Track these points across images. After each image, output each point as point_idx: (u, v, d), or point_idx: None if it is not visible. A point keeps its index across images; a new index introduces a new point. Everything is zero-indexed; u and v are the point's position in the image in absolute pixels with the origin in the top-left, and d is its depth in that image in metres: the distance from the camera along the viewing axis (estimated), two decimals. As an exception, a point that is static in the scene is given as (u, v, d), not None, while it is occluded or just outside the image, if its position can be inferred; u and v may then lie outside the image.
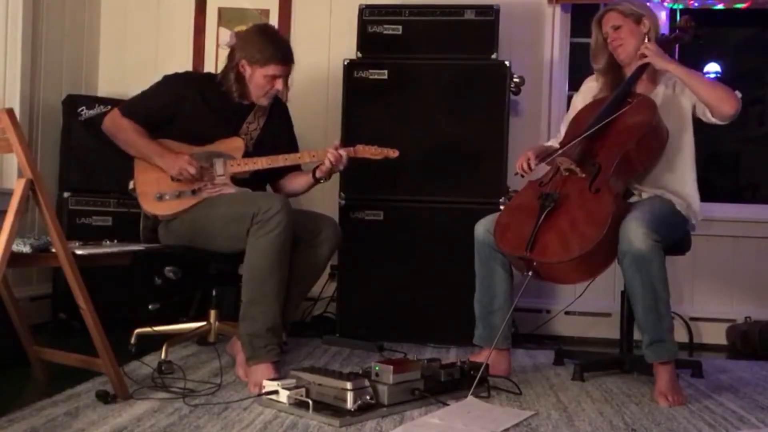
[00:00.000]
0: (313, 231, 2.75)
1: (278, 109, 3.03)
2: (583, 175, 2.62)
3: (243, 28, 3.14)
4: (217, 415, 2.13)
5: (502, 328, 2.66)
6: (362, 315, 3.47)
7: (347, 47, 3.71)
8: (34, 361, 2.52)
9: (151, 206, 2.75)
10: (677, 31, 2.90)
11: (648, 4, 3.11)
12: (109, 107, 3.29)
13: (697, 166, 2.77)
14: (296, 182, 3.01)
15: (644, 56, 2.69)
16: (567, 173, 2.67)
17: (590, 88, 2.98)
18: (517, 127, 3.76)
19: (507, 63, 3.47)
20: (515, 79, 3.53)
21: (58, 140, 3.66)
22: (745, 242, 3.93)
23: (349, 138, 3.29)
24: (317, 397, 2.15)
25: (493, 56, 3.50)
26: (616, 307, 3.03)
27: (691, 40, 2.91)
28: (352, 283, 3.52)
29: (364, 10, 3.60)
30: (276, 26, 3.85)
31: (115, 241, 2.62)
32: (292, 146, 3.03)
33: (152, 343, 2.87)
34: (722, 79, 5.33)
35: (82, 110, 3.63)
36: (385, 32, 3.58)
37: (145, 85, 2.90)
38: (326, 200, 3.72)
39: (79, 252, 2.27)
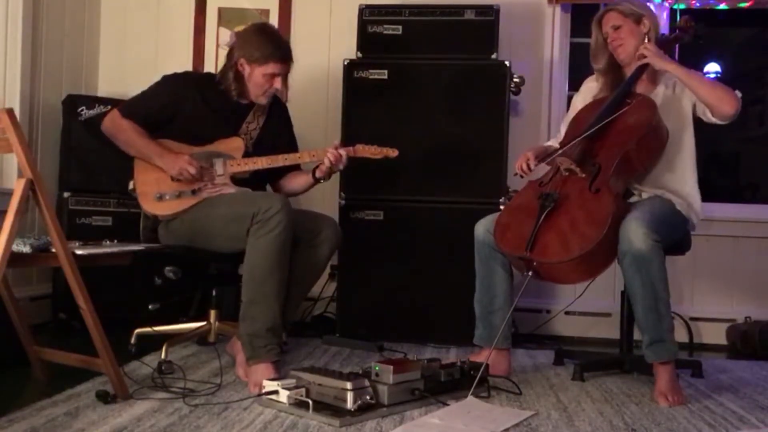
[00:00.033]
0: (313, 231, 2.75)
1: (277, 109, 3.03)
2: (583, 175, 2.62)
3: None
4: (217, 415, 2.13)
5: (502, 328, 2.66)
6: (362, 315, 3.47)
7: (347, 47, 3.71)
8: (34, 361, 2.52)
9: (151, 206, 2.75)
10: (677, 31, 2.91)
11: (650, 4, 3.11)
12: (109, 107, 3.29)
13: (697, 166, 2.78)
14: (296, 182, 3.01)
15: (644, 56, 2.69)
16: (567, 173, 2.67)
17: (590, 88, 2.98)
18: (517, 127, 3.76)
19: (507, 63, 3.47)
20: (515, 79, 3.53)
21: (58, 140, 3.66)
22: (745, 242, 3.93)
23: (349, 138, 3.29)
24: (317, 397, 2.15)
25: (493, 56, 3.50)
26: (616, 307, 3.03)
27: (691, 40, 2.91)
28: (352, 283, 3.52)
29: (364, 10, 3.60)
30: (276, 26, 3.85)
31: (115, 241, 2.62)
32: (291, 146, 3.03)
33: (152, 343, 2.86)
34: (722, 79, 5.34)
35: (82, 110, 3.63)
36: (385, 32, 3.58)
37: (145, 85, 2.90)
38: (326, 200, 3.73)
39: (79, 252, 2.27)
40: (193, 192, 2.75)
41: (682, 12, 3.92)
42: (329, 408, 2.11)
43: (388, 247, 3.49)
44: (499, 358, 2.74)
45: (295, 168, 2.99)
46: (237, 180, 2.80)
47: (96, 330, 2.20)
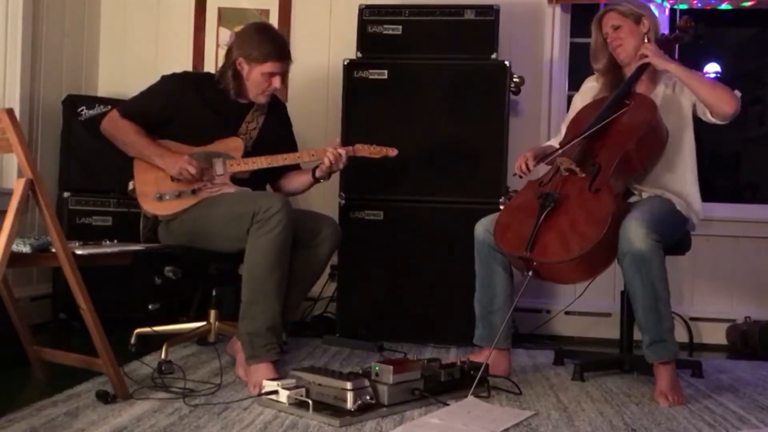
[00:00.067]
0: (313, 231, 2.75)
1: (277, 109, 3.02)
2: (583, 175, 2.62)
3: (242, 28, 3.14)
4: (217, 415, 2.13)
5: (502, 328, 2.66)
6: (362, 315, 3.47)
7: (347, 47, 3.71)
8: (34, 361, 2.52)
9: (151, 206, 2.75)
10: (677, 31, 2.91)
11: (651, 4, 3.11)
12: (109, 107, 3.29)
13: (697, 166, 2.77)
14: (296, 181, 3.01)
15: (644, 56, 2.69)
16: (567, 173, 2.67)
17: (590, 88, 2.98)
18: (517, 127, 3.76)
19: (507, 63, 3.47)
20: (515, 79, 3.52)
21: (58, 140, 3.66)
22: (745, 242, 3.93)
23: (349, 138, 3.29)
24: (317, 397, 2.15)
25: (493, 56, 3.50)
26: (616, 307, 3.03)
27: (691, 40, 2.91)
28: (352, 283, 3.51)
29: (364, 10, 3.60)
30: (276, 26, 3.85)
31: (115, 241, 2.62)
32: (291, 145, 3.03)
33: (152, 343, 2.87)
34: (722, 79, 5.33)
35: (82, 110, 3.63)
36: (385, 32, 3.58)
37: (145, 85, 2.90)
38: (326, 200, 3.73)
39: (79, 252, 2.27)
40: (193, 192, 2.75)
41: (684, 12, 3.92)
42: (329, 408, 2.11)
43: (388, 247, 3.49)
44: (499, 358, 2.74)
45: (295, 167, 2.99)
46: (237, 180, 2.80)
47: (96, 330, 2.20)
